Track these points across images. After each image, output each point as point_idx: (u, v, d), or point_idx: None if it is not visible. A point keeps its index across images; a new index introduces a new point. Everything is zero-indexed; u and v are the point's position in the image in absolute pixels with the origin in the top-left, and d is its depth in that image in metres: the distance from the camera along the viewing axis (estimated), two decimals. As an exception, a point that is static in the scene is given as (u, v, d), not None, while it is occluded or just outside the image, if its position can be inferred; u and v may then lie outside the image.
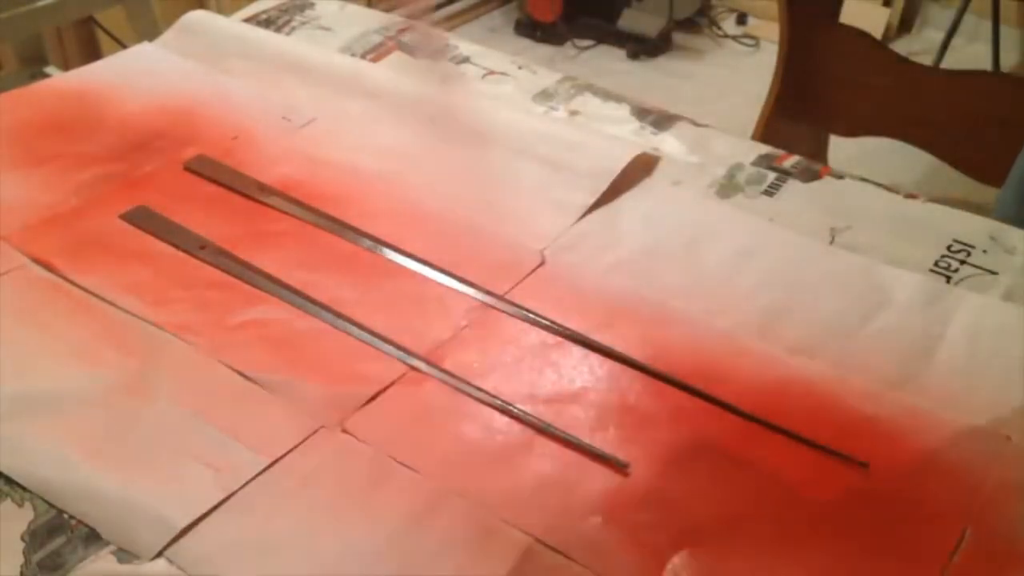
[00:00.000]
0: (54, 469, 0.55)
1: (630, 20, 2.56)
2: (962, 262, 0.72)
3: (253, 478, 0.55)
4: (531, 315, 0.67)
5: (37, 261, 0.70)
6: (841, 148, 1.80)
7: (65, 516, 0.53)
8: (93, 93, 0.91)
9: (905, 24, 2.64)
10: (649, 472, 0.56)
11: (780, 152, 0.85)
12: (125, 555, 0.51)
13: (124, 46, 1.09)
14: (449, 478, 0.55)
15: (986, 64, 2.23)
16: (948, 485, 0.56)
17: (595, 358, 0.64)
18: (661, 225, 0.76)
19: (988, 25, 2.23)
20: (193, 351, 0.63)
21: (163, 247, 0.73)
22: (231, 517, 0.53)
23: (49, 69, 1.51)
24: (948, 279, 0.71)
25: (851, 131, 1.73)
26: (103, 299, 0.67)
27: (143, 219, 0.75)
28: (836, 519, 0.54)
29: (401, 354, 0.63)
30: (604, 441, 0.58)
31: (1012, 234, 0.75)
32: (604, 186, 0.79)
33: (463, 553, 0.51)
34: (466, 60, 1.00)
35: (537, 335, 0.66)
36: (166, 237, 0.73)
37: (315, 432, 0.58)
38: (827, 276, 0.71)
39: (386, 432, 0.58)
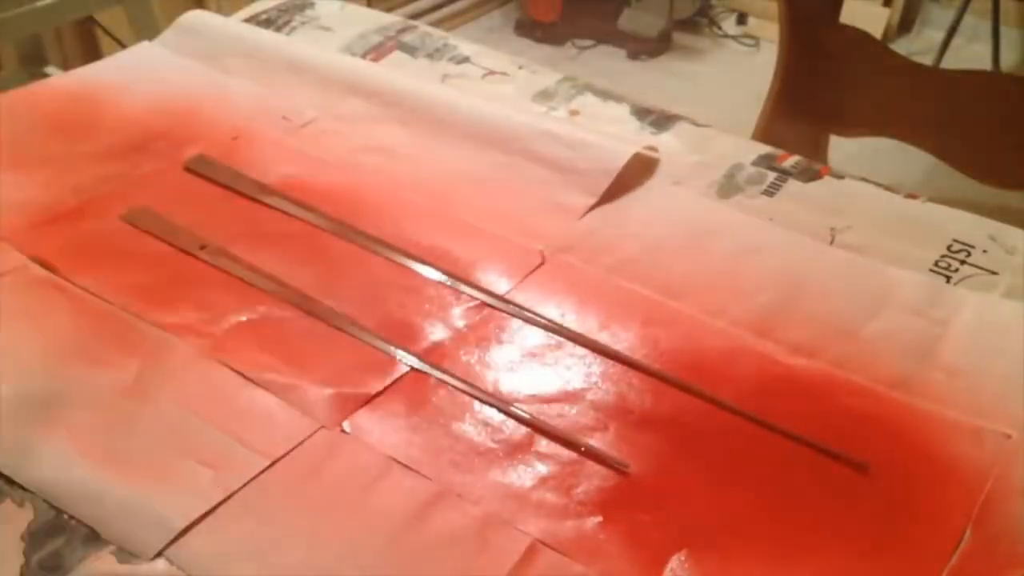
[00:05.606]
0: (54, 469, 0.55)
1: (630, 20, 2.56)
2: (962, 262, 0.72)
3: (253, 478, 0.54)
4: (531, 315, 0.67)
5: (37, 261, 0.70)
6: (841, 148, 1.80)
7: (65, 516, 0.53)
8: (93, 93, 0.91)
9: (905, 24, 2.64)
10: (649, 472, 0.56)
11: (780, 152, 0.85)
12: (125, 555, 0.51)
13: (124, 46, 1.09)
14: (449, 478, 0.55)
15: (986, 64, 2.23)
16: (948, 485, 0.56)
17: (595, 358, 0.64)
18: (661, 225, 0.76)
19: (988, 25, 2.23)
20: (193, 351, 0.63)
21: (163, 247, 0.73)
22: (231, 517, 0.53)
23: (49, 69, 1.51)
24: (948, 279, 0.71)
25: (851, 131, 1.72)
26: (103, 299, 0.67)
27: (143, 219, 0.75)
28: (836, 519, 0.54)
29: (401, 354, 0.63)
30: (604, 441, 0.58)
31: (1012, 234, 0.75)
32: (604, 186, 0.79)
33: (463, 553, 0.51)
34: (466, 60, 1.00)
35: (537, 335, 0.66)
36: (166, 237, 0.73)
37: (315, 432, 0.58)
38: (827, 276, 0.71)
39: (386, 432, 0.58)
